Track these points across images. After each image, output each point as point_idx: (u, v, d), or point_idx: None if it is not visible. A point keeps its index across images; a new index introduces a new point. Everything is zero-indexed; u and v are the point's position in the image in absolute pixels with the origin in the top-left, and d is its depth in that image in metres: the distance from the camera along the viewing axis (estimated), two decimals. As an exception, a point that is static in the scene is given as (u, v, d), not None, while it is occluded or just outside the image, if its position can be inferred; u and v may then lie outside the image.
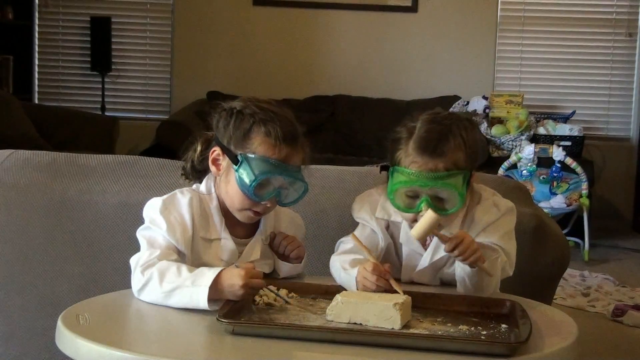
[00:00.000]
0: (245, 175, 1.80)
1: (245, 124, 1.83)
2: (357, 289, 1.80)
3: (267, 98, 1.94)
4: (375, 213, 1.97)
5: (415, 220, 1.87)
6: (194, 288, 1.68)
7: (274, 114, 1.84)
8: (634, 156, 6.36)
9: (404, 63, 6.50)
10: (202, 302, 1.66)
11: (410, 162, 1.85)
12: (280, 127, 1.81)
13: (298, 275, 1.97)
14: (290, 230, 1.98)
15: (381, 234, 1.97)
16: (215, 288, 1.67)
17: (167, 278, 1.71)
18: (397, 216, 1.96)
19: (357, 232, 1.97)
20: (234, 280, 1.68)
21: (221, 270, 1.70)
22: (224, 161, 1.87)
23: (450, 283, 1.97)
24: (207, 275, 1.69)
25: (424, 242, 1.96)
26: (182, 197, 1.86)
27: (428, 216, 1.79)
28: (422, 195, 1.84)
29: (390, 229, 1.98)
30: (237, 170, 1.82)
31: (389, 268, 1.79)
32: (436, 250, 1.94)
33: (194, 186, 1.94)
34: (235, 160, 1.82)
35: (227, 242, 1.87)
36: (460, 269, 1.85)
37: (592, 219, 5.30)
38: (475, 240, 1.84)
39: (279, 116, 1.84)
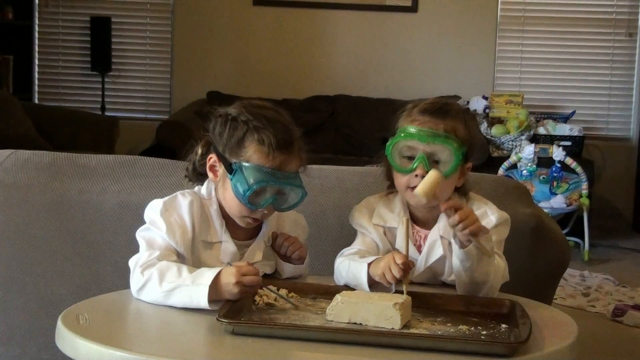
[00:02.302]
0: (240, 185, 1.79)
1: (239, 131, 1.82)
2: (369, 272, 1.80)
3: (265, 100, 1.93)
4: (372, 219, 1.98)
5: (408, 187, 1.90)
6: (194, 287, 1.68)
7: (268, 120, 1.82)
8: (634, 156, 6.36)
9: (404, 63, 6.50)
10: (203, 301, 1.66)
11: (412, 120, 1.92)
12: (273, 135, 1.79)
13: (300, 276, 1.96)
14: (294, 232, 1.97)
15: (379, 240, 1.97)
16: (215, 288, 1.67)
17: (167, 278, 1.71)
18: (392, 222, 1.97)
19: (357, 241, 1.98)
20: (229, 278, 1.68)
21: (220, 270, 1.70)
22: (221, 168, 1.86)
23: (451, 285, 1.97)
24: (207, 275, 1.69)
25: (418, 245, 1.95)
26: (183, 200, 1.86)
27: (431, 174, 1.78)
28: (419, 153, 1.87)
29: (386, 236, 1.98)
30: (231, 179, 1.81)
31: (412, 266, 1.80)
32: (430, 253, 1.94)
33: (196, 188, 1.94)
34: (229, 169, 1.82)
35: (228, 245, 1.87)
36: (455, 258, 1.82)
37: (592, 219, 5.30)
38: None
39: (273, 122, 1.82)
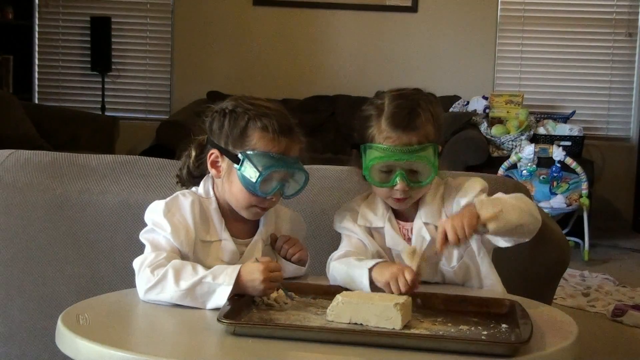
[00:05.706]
0: (250, 173, 1.80)
1: (241, 121, 1.83)
2: (372, 276, 1.79)
3: (261, 97, 1.94)
4: (357, 221, 1.98)
5: (389, 197, 1.92)
6: (215, 286, 1.68)
7: (267, 108, 1.85)
8: (634, 156, 6.36)
9: (404, 63, 6.50)
10: (221, 301, 1.66)
11: (384, 137, 1.89)
12: (276, 120, 1.82)
13: (301, 276, 1.96)
14: (292, 230, 1.98)
15: (367, 240, 1.97)
16: (236, 284, 1.68)
17: (184, 277, 1.70)
18: (377, 222, 1.98)
19: (343, 244, 1.98)
20: (255, 275, 1.68)
21: (240, 267, 1.70)
22: (224, 162, 1.86)
23: (452, 281, 1.97)
24: (228, 273, 1.69)
25: (408, 239, 1.96)
26: (185, 200, 1.86)
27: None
28: (397, 169, 1.88)
29: (373, 236, 1.98)
30: (239, 169, 1.81)
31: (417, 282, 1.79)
32: (418, 242, 1.94)
33: (193, 188, 1.94)
34: (236, 160, 1.82)
35: (228, 243, 1.87)
36: (498, 242, 1.89)
37: (592, 219, 5.30)
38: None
39: (271, 110, 1.85)
